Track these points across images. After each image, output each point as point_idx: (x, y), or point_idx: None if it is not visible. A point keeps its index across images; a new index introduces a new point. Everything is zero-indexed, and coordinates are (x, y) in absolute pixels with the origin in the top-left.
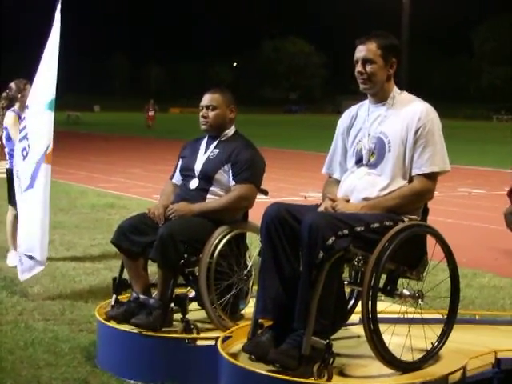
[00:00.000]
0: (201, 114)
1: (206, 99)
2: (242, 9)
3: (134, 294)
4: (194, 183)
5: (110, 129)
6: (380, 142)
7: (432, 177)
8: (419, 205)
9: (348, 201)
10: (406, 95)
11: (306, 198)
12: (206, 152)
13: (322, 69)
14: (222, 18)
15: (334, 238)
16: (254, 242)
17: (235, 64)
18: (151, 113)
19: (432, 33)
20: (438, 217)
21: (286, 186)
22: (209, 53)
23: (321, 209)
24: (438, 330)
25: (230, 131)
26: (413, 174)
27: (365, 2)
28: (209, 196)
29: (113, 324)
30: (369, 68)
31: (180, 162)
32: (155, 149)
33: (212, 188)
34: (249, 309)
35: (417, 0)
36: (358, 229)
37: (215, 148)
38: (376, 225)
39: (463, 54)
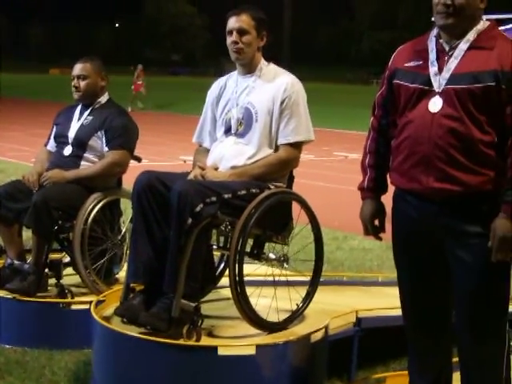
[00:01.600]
0: (72, 83)
1: (77, 69)
2: None
3: (9, 260)
4: (67, 150)
5: None
6: (248, 112)
7: (297, 146)
8: (285, 172)
9: (217, 169)
10: (272, 67)
11: (185, 162)
12: (79, 119)
13: (205, 31)
14: None
15: (202, 205)
16: (127, 208)
17: (117, 25)
18: (139, 81)
19: None
20: (314, 181)
21: (167, 149)
22: (91, 14)
23: (190, 177)
24: (303, 291)
25: (104, 98)
26: (279, 143)
27: None
28: (83, 163)
29: None
30: (244, 38)
31: (54, 129)
32: (35, 111)
33: (86, 154)
34: (123, 273)
35: None
36: (226, 196)
37: (89, 115)
38: (243, 192)
39: (345, 18)
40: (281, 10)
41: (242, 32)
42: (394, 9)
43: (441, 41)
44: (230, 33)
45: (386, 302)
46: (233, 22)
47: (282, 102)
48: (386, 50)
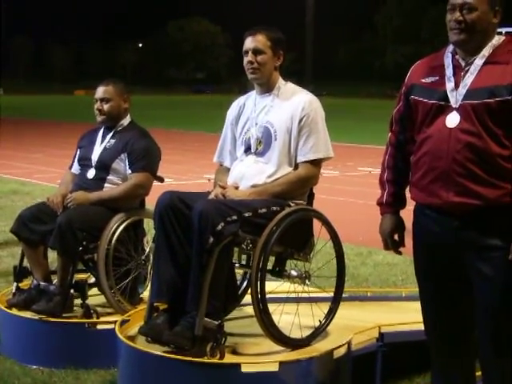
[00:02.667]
0: (95, 106)
1: (100, 92)
2: None
3: (35, 282)
4: (91, 173)
5: (14, 112)
6: (267, 131)
7: (316, 163)
8: (304, 190)
9: (237, 188)
10: (290, 86)
11: (209, 180)
12: (102, 142)
13: (228, 49)
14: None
15: (223, 224)
16: (151, 228)
17: (140, 45)
18: None
19: (337, 12)
20: (338, 196)
21: (192, 168)
22: (114, 34)
23: (211, 196)
24: (325, 308)
25: (126, 121)
26: (298, 161)
27: None
28: (106, 185)
29: (14, 311)
30: (259, 58)
31: (78, 152)
32: (59, 132)
33: (109, 177)
34: (147, 293)
35: None
36: (247, 214)
37: (111, 138)
38: (263, 210)
39: (368, 33)
40: (303, 26)
41: (257, 52)
42: (416, 23)
43: (457, 57)
44: (246, 53)
45: (409, 317)
46: (248, 43)
47: (300, 121)
48: (409, 64)
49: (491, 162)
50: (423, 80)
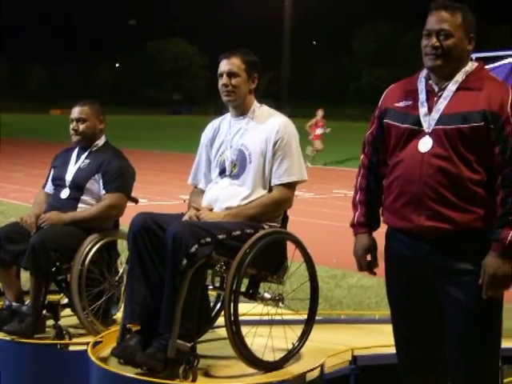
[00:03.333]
0: (71, 126)
1: (76, 112)
2: (124, 10)
3: (7, 302)
4: (65, 193)
5: None
6: (241, 154)
7: (290, 186)
8: (279, 213)
9: (211, 210)
10: (265, 108)
11: (185, 201)
12: (77, 162)
13: (205, 70)
14: (104, 19)
15: (196, 246)
16: (125, 249)
17: (117, 65)
18: (319, 130)
19: (313, 36)
20: (313, 218)
21: (167, 189)
22: (91, 54)
23: (185, 218)
24: (299, 330)
25: (101, 141)
26: (272, 183)
27: (246, 6)
28: (80, 205)
29: None
30: (234, 81)
31: (52, 172)
32: (37, 152)
33: (83, 197)
34: (121, 314)
35: (298, 6)
36: (220, 236)
37: (86, 158)
38: (237, 232)
39: (344, 56)
40: (280, 48)
41: (231, 75)
42: (392, 47)
43: (430, 82)
44: (221, 76)
45: (383, 340)
46: (223, 65)
47: (274, 144)
48: (385, 87)
49: (463, 186)
50: (397, 104)
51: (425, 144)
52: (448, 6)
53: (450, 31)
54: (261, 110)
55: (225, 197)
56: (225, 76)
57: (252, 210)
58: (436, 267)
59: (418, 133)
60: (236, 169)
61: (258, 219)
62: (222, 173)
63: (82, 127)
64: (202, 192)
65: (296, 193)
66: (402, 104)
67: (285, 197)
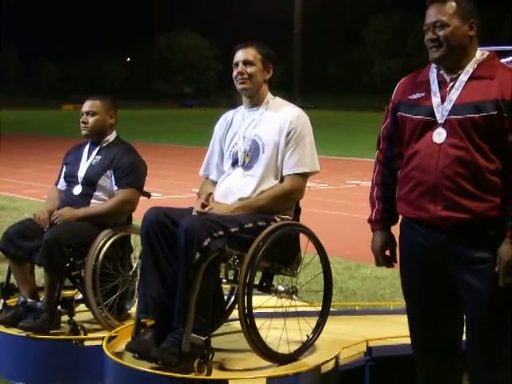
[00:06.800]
0: (81, 119)
1: (86, 105)
2: (134, 3)
3: (22, 298)
4: (77, 189)
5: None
6: (254, 144)
7: (301, 177)
8: (290, 203)
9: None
10: (278, 100)
11: (197, 194)
12: (88, 159)
13: (216, 63)
14: (113, 14)
15: (209, 240)
16: (138, 244)
17: (128, 59)
18: None
19: (325, 26)
20: (326, 209)
21: (179, 182)
22: (102, 48)
23: (194, 213)
24: (313, 322)
25: (111, 137)
26: (284, 174)
27: None
28: (93, 201)
29: (1, 328)
30: (249, 69)
31: (64, 169)
32: (48, 147)
33: (96, 193)
34: (135, 308)
35: None
36: (233, 229)
37: (97, 154)
38: (250, 225)
39: (356, 46)
40: (291, 39)
41: (247, 63)
42: (404, 37)
43: (441, 72)
44: (236, 65)
45: (397, 331)
46: (239, 55)
47: (287, 134)
48: (397, 77)
49: (479, 175)
50: (409, 96)
51: (439, 135)
52: None
53: (444, 21)
54: (274, 101)
55: (238, 187)
56: (240, 64)
57: (262, 201)
58: (452, 256)
59: (432, 124)
60: (249, 159)
61: (269, 210)
62: (235, 164)
63: (91, 120)
64: (213, 183)
65: (309, 184)
66: (414, 96)
67: (296, 187)
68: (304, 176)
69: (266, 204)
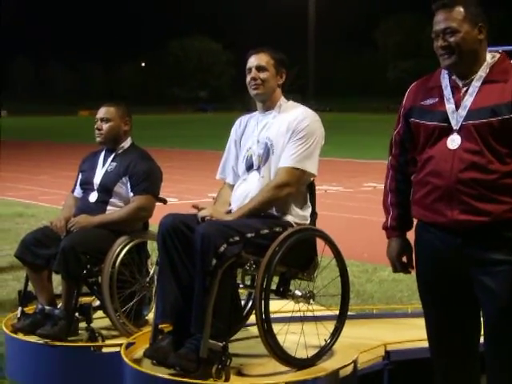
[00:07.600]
0: (95, 126)
1: (101, 112)
2: (148, 8)
3: (40, 306)
4: (93, 196)
5: (18, 134)
6: (265, 146)
7: (293, 172)
8: (281, 196)
9: (228, 211)
10: (291, 103)
11: (214, 199)
12: (104, 166)
13: (230, 67)
14: (127, 19)
15: (225, 246)
16: (155, 250)
17: (143, 64)
18: None
19: (337, 30)
20: (342, 213)
21: (195, 187)
22: (116, 54)
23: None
24: (331, 326)
25: (126, 143)
26: (279, 165)
27: (272, 2)
28: (109, 208)
29: (20, 336)
30: (262, 75)
31: (80, 176)
32: (64, 154)
33: (112, 200)
34: (152, 315)
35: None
36: (249, 235)
37: (112, 161)
38: (265, 231)
39: (368, 49)
40: (305, 43)
41: (260, 69)
42: (416, 39)
43: (453, 77)
44: (250, 70)
45: (416, 334)
46: (252, 60)
47: (293, 131)
48: (410, 79)
49: (495, 178)
50: (422, 102)
51: (453, 141)
52: (447, 4)
53: (455, 27)
54: (287, 104)
55: (255, 192)
56: (253, 70)
57: (253, 201)
58: (469, 258)
59: (447, 130)
60: (262, 162)
61: (266, 207)
62: (250, 168)
63: (105, 127)
64: (231, 187)
65: (325, 187)
66: (427, 102)
67: (284, 180)
68: (297, 173)
69: (257, 202)
